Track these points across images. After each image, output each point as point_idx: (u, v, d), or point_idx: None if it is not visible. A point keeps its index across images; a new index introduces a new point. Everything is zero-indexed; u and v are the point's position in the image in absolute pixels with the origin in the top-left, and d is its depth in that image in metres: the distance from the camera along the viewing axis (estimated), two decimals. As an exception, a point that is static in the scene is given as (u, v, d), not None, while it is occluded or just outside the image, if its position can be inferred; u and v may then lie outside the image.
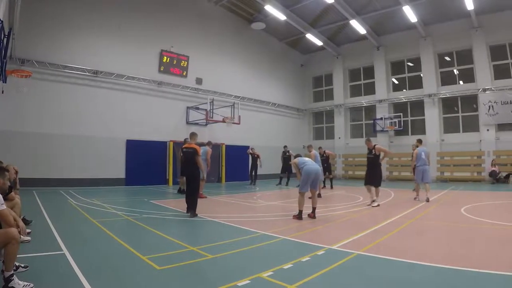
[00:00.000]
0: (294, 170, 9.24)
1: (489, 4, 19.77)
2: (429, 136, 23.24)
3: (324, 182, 17.92)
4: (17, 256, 3.79)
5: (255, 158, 19.50)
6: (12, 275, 3.64)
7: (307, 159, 8.90)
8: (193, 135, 9.75)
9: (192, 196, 9.00)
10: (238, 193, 15.52)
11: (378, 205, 10.63)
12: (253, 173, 19.70)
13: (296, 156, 9.17)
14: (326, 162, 17.35)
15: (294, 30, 25.05)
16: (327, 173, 17.82)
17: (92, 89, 17.23)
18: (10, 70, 13.49)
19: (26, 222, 6.81)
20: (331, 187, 17.77)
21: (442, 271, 4.38)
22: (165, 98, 20.22)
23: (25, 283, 3.66)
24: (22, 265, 4.17)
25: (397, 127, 24.72)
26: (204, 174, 12.03)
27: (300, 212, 8.28)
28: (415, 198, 12.50)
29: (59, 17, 16.19)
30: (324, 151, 17.47)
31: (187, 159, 9.24)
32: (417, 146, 13.00)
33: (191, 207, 8.86)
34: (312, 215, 8.38)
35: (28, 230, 6.00)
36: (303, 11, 22.82)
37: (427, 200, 11.69)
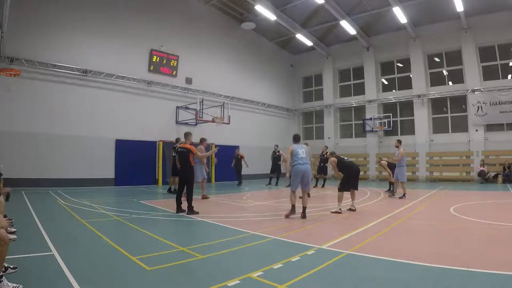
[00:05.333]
0: (284, 159, 9.21)
1: (478, 5, 19.98)
2: (418, 136, 23.51)
3: (316, 181, 17.95)
4: (6, 257, 3.75)
5: (239, 159, 19.09)
6: (1, 277, 3.60)
7: (301, 155, 8.58)
8: (187, 135, 9.76)
9: (188, 195, 9.24)
10: (228, 193, 15.51)
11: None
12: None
13: (294, 138, 9.14)
14: (324, 162, 17.35)
15: (284, 30, 25.16)
16: (322, 173, 17.84)
17: (82, 88, 17.08)
18: (-1, 68, 13.37)
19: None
20: (323, 186, 17.82)
21: (431, 270, 4.43)
22: (155, 97, 20.12)
23: (14, 285, 3.62)
24: (11, 266, 4.11)
25: (386, 127, 24.95)
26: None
27: (293, 206, 8.37)
28: (404, 196, 12.69)
29: (49, 16, 16.01)
30: (327, 152, 17.43)
31: (180, 159, 9.40)
32: (397, 147, 13.19)
33: (189, 206, 9.11)
34: (302, 215, 8.39)
35: (13, 229, 5.95)
36: (294, 11, 22.93)
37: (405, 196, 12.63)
